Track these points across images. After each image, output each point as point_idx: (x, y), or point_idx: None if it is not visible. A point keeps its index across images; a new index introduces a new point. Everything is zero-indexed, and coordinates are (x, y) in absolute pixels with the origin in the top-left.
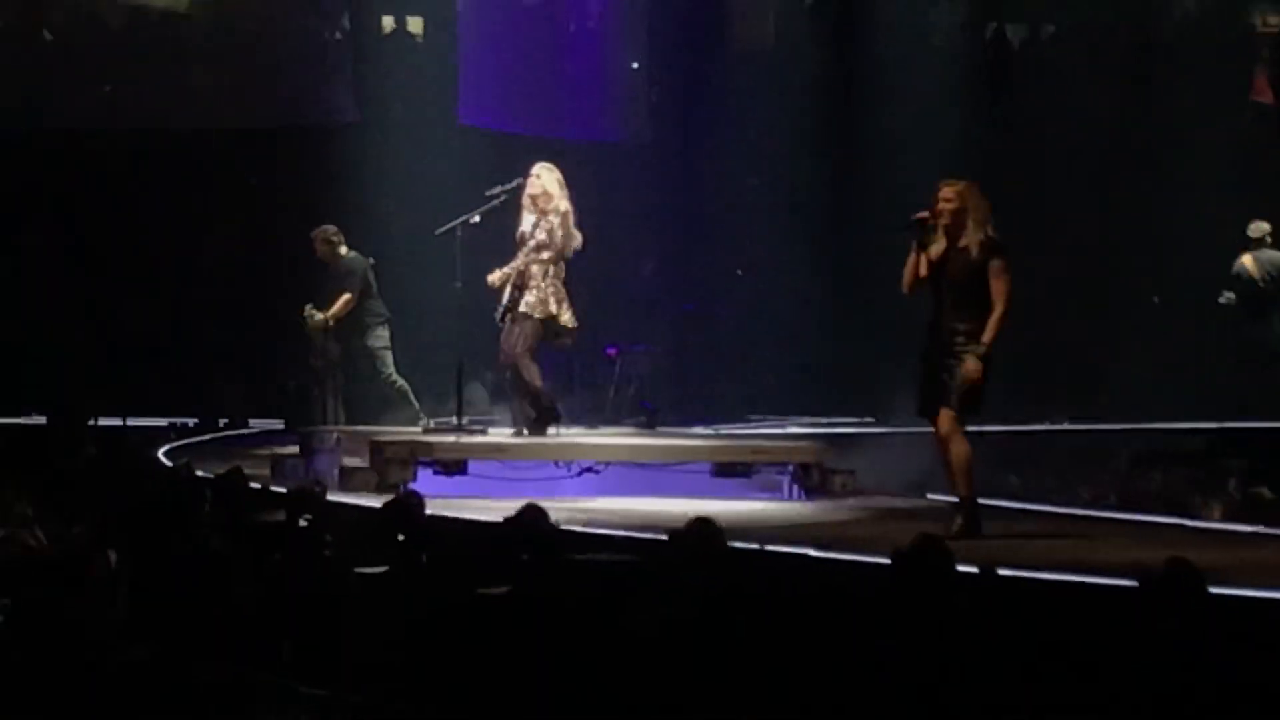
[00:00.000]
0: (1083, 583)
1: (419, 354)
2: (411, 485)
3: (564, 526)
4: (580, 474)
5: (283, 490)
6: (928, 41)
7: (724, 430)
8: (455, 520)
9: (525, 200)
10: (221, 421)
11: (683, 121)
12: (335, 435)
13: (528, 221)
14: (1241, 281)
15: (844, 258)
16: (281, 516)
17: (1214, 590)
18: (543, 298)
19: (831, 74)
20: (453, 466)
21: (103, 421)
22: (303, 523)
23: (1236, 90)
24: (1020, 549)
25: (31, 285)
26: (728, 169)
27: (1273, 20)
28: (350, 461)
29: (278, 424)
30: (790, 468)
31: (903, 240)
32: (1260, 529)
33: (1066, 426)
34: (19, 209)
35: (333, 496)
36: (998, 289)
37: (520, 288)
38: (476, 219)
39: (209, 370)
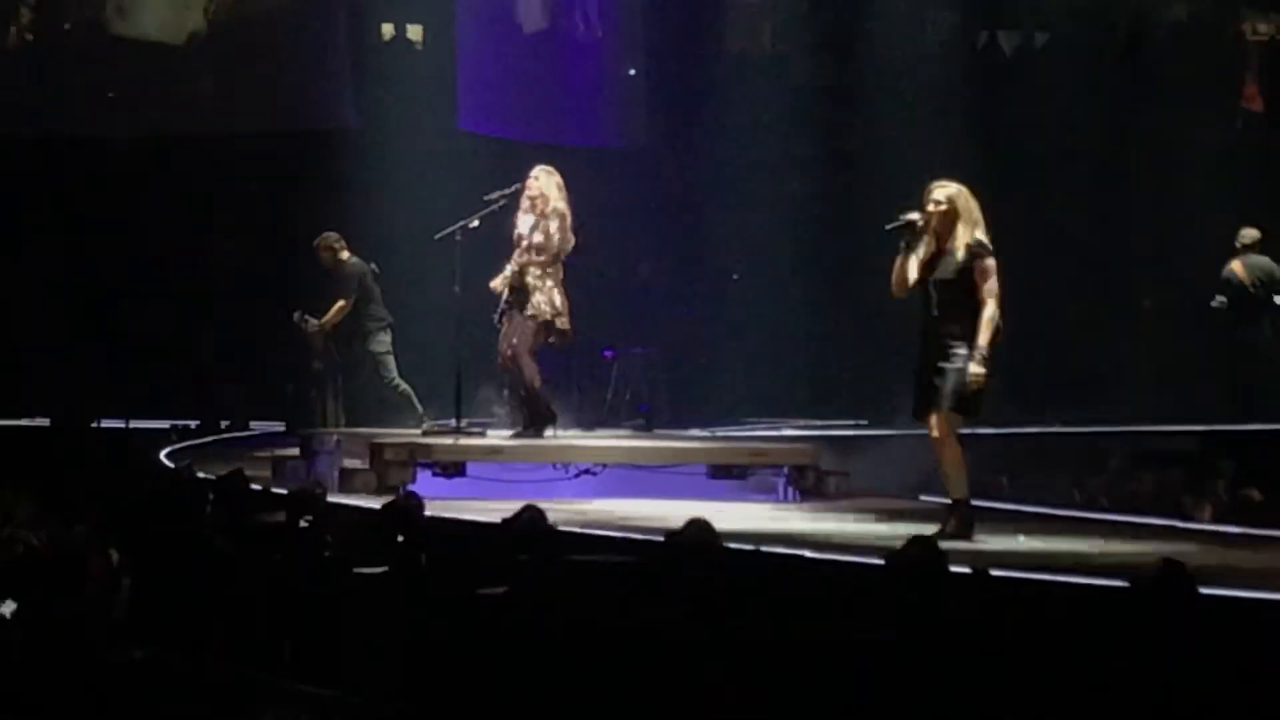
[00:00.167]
0: (1075, 583)
1: (418, 357)
2: (410, 487)
3: (562, 527)
4: (578, 476)
5: (283, 491)
6: (921, 48)
7: (720, 432)
8: (454, 521)
9: (524, 202)
10: (223, 424)
11: (679, 127)
12: (335, 437)
13: (525, 223)
14: (1231, 287)
15: (838, 262)
16: (282, 517)
17: (1205, 591)
18: (549, 300)
19: (826, 80)
20: (451, 468)
21: (106, 423)
22: (303, 523)
23: (1227, 97)
24: (1012, 550)
25: (36, 289)
26: (723, 174)
27: (1262, 29)
28: (350, 463)
29: (278, 426)
30: (785, 470)
31: (893, 243)
32: (1250, 530)
33: (1060, 429)
34: (24, 214)
35: (333, 498)
36: (985, 290)
37: (520, 289)
38: (475, 223)
39: (211, 373)
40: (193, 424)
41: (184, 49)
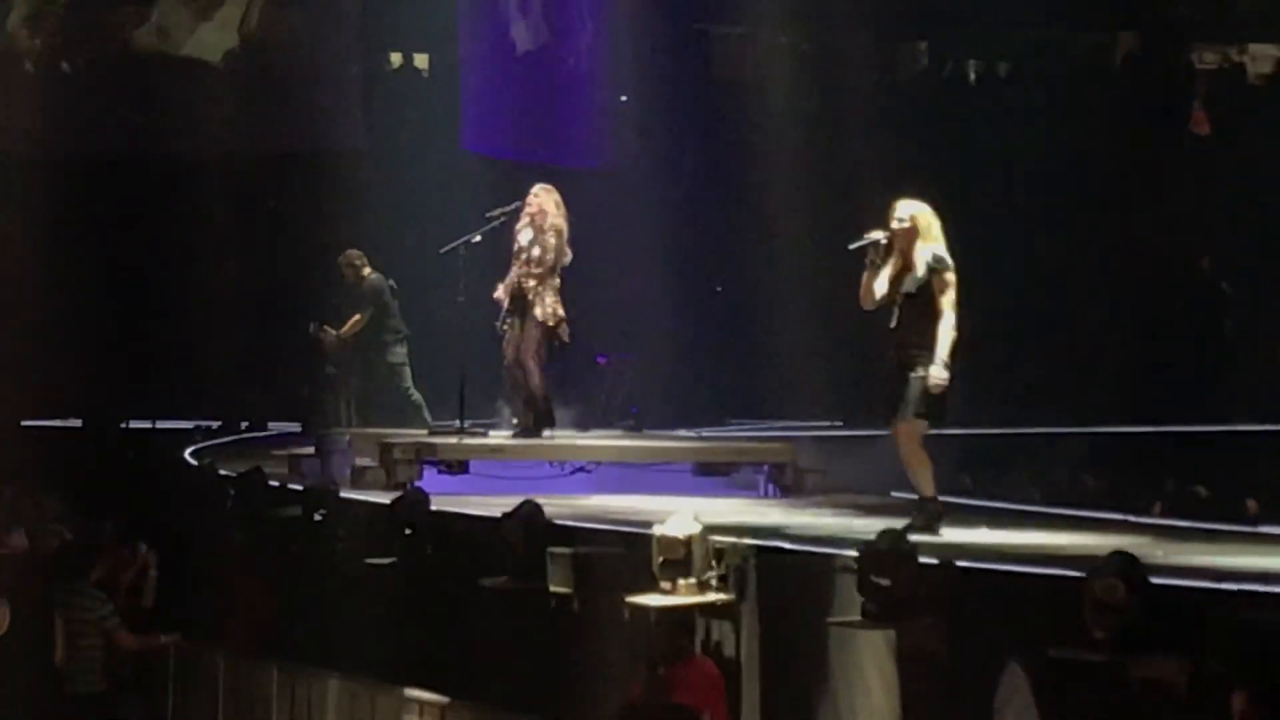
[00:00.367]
0: (1034, 573)
1: (424, 363)
2: (417, 483)
3: (558, 521)
4: (573, 473)
5: (299, 488)
6: (892, 76)
7: (705, 433)
8: (458, 516)
9: (524, 218)
10: (243, 424)
11: (668, 148)
12: (347, 437)
13: (525, 237)
14: None
15: (815, 275)
16: (298, 511)
17: (1154, 581)
18: (554, 308)
19: (803, 105)
20: (455, 466)
21: (134, 424)
22: (317, 517)
23: (1177, 122)
24: (976, 543)
25: (69, 299)
26: (707, 193)
27: (1209, 58)
28: (361, 461)
29: (295, 427)
30: (766, 468)
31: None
32: (1197, 524)
33: (1020, 430)
34: (57, 230)
35: (345, 494)
36: (944, 302)
37: (520, 299)
38: (478, 239)
39: (231, 377)
40: (215, 424)
41: (220, 67)
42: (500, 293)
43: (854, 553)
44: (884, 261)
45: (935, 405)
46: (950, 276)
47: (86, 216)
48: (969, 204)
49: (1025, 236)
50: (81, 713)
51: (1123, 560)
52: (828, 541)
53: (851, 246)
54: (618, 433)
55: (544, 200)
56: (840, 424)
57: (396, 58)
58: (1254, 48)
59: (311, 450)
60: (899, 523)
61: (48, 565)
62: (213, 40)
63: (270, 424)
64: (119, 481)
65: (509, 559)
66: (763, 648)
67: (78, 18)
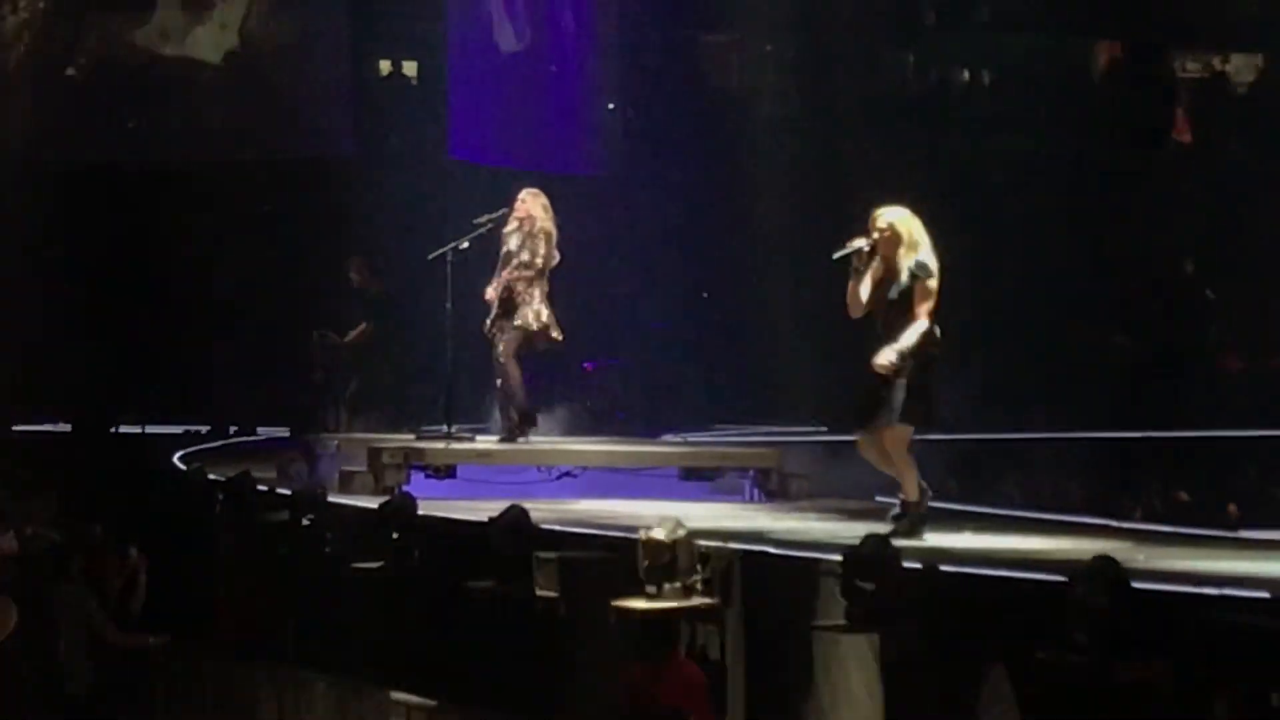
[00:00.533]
0: (1017, 577)
1: (411, 369)
2: (405, 488)
3: (545, 526)
4: (559, 478)
5: (287, 492)
6: (878, 84)
7: (691, 438)
8: (445, 520)
9: (513, 222)
10: (232, 429)
11: (654, 156)
12: (335, 442)
13: (514, 241)
14: None
15: (801, 282)
16: (286, 516)
17: (1136, 585)
18: (535, 312)
19: (790, 113)
20: (443, 471)
21: (123, 429)
22: (306, 521)
23: (1159, 129)
24: (959, 547)
25: (59, 304)
26: (694, 200)
27: (1192, 67)
28: (349, 466)
29: (283, 432)
30: (751, 472)
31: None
32: (1178, 529)
33: (1004, 435)
34: (49, 235)
35: (333, 498)
36: (919, 309)
37: (508, 301)
38: (466, 245)
39: (221, 382)
40: (204, 429)
41: (222, 67)
42: (490, 292)
43: (838, 557)
44: (868, 269)
45: (919, 410)
46: (931, 284)
47: (76, 222)
48: (954, 210)
49: (1010, 243)
50: (71, 713)
51: (1105, 565)
52: (812, 546)
53: (836, 256)
54: (604, 438)
55: (531, 205)
56: (825, 429)
57: (386, 65)
58: (1236, 56)
59: (300, 455)
60: (883, 527)
61: (37, 567)
62: (213, 41)
63: (259, 429)
64: (109, 486)
65: (496, 563)
66: (747, 651)
67: (76, 22)
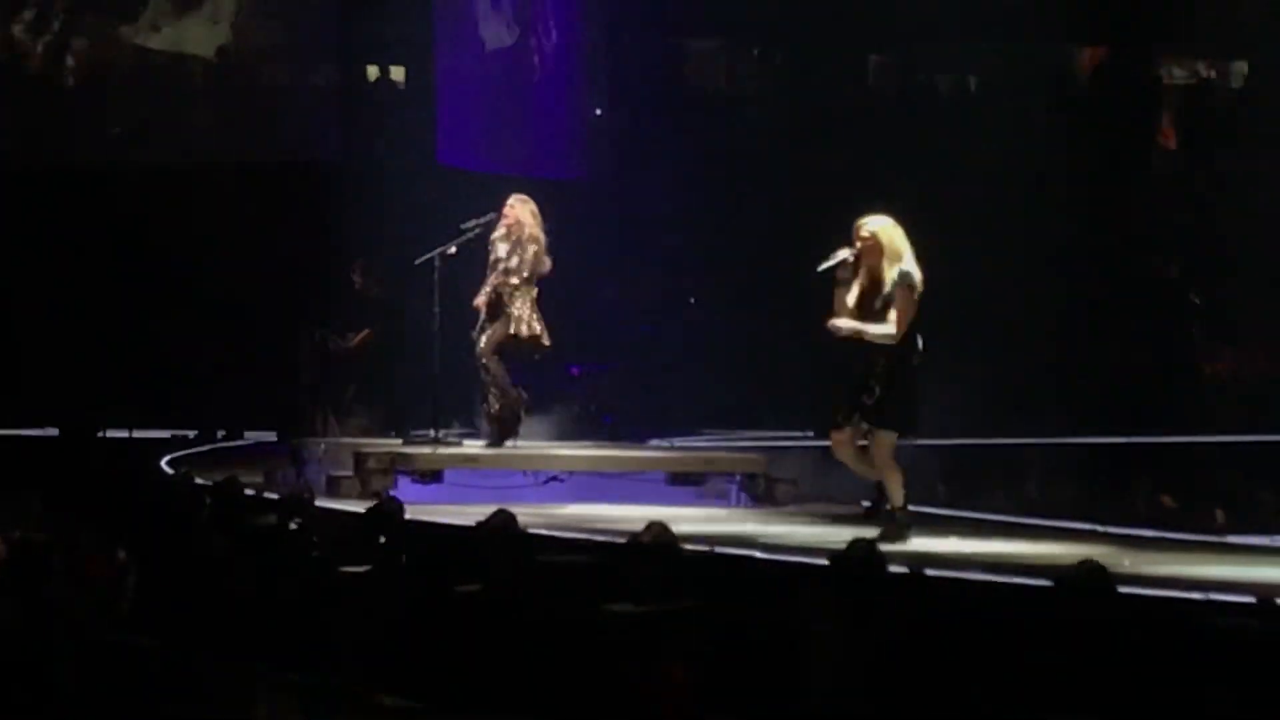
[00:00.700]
0: (1002, 582)
1: (399, 373)
2: (392, 492)
3: (531, 530)
4: (546, 482)
5: (275, 496)
6: (865, 89)
7: (678, 442)
8: (432, 524)
9: (501, 229)
10: (219, 433)
11: (640, 161)
12: (323, 446)
13: (503, 248)
14: None
15: (787, 287)
16: (273, 520)
17: (1122, 590)
18: (525, 319)
19: (776, 117)
20: (429, 475)
21: (111, 433)
22: (293, 526)
23: (1144, 136)
24: (945, 551)
25: (47, 309)
26: (681, 205)
27: (1178, 73)
28: (336, 471)
29: (270, 436)
30: (738, 477)
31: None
32: (1164, 534)
33: (991, 440)
34: (36, 240)
35: (320, 502)
36: (891, 312)
37: (498, 307)
38: (453, 250)
39: (208, 386)
40: (191, 434)
41: (203, 68)
42: (480, 300)
43: (824, 561)
44: (854, 278)
45: (901, 416)
46: (903, 290)
47: (61, 226)
48: (940, 215)
49: (994, 249)
50: (59, 715)
51: (1091, 569)
52: (798, 550)
53: (820, 268)
54: (591, 442)
55: (520, 211)
56: (811, 434)
57: (373, 71)
58: (1222, 63)
59: (287, 459)
60: (869, 532)
61: (25, 570)
62: (205, 34)
63: (246, 433)
64: (96, 490)
65: (482, 567)
66: (732, 656)
67: (61, 22)
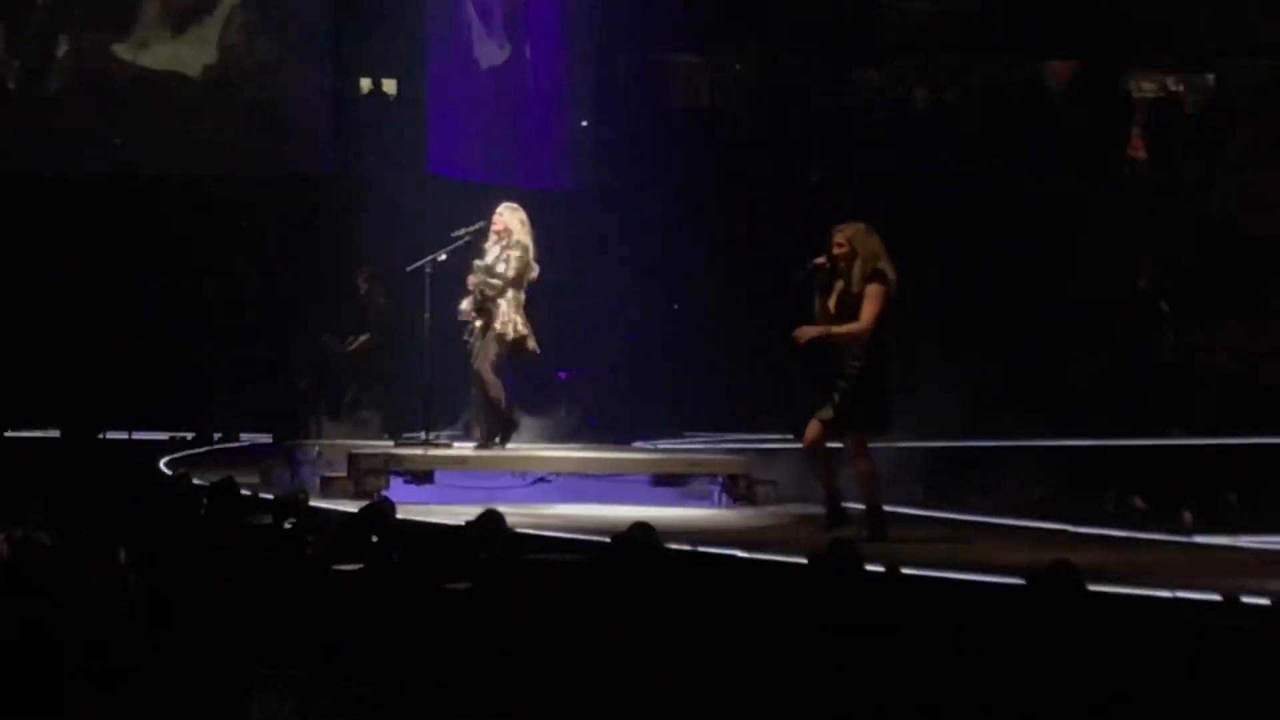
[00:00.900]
0: (976, 581)
1: (392, 379)
2: (384, 493)
3: (519, 530)
4: (534, 483)
5: (270, 497)
6: (844, 102)
7: (661, 445)
8: (423, 524)
9: (491, 236)
10: (216, 435)
11: (625, 172)
12: (317, 448)
13: (492, 254)
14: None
15: (768, 294)
16: (269, 520)
17: (1093, 588)
18: (512, 322)
19: (757, 131)
20: (421, 476)
21: (110, 435)
22: (288, 525)
23: (1114, 147)
24: (921, 551)
25: (49, 314)
26: (664, 214)
27: (1147, 86)
28: (330, 472)
29: (266, 438)
30: (720, 479)
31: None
32: (1134, 534)
33: (966, 443)
34: (39, 248)
35: (314, 502)
36: (864, 310)
37: (485, 311)
38: (443, 257)
39: (206, 390)
40: (189, 436)
41: (200, 80)
42: (466, 305)
43: (803, 560)
44: (831, 284)
45: (869, 417)
46: (875, 289)
47: (64, 233)
48: (916, 225)
49: (970, 257)
50: (59, 714)
51: (1062, 568)
52: (778, 549)
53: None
54: (577, 444)
55: (509, 218)
56: (791, 437)
57: (366, 83)
58: (1190, 77)
59: (282, 461)
60: (848, 531)
61: (28, 570)
62: (193, 54)
63: (242, 435)
64: (97, 490)
65: (472, 565)
66: (713, 655)
67: (59, 36)
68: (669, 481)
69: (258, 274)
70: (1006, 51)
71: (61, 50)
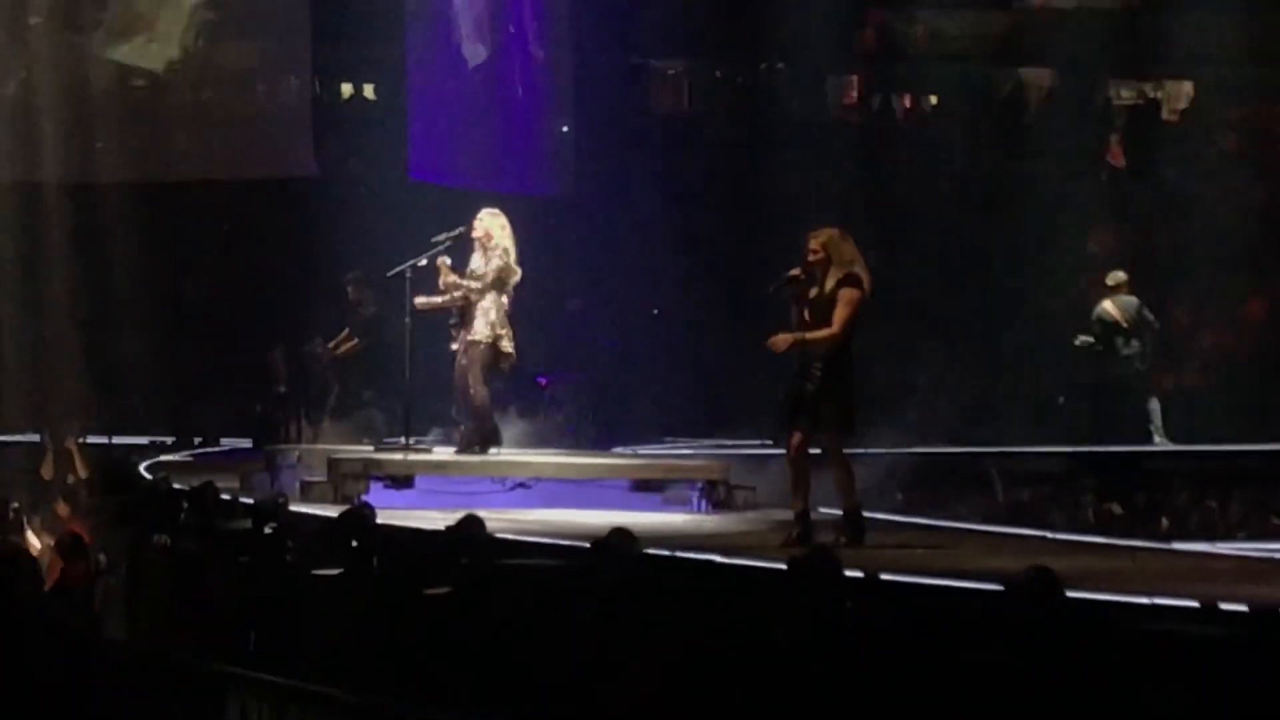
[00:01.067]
0: (955, 586)
1: (375, 384)
2: (364, 497)
3: (498, 535)
4: (514, 489)
5: (250, 501)
6: (824, 109)
7: (640, 451)
8: (403, 529)
9: (475, 242)
10: (196, 440)
11: (606, 178)
12: (297, 453)
13: (476, 260)
14: (1104, 324)
15: (747, 300)
16: (249, 524)
17: (1070, 594)
18: (490, 323)
19: (737, 136)
20: (401, 481)
21: (91, 439)
22: (268, 530)
23: (1093, 153)
24: (900, 556)
25: (29, 319)
26: (645, 220)
27: (1125, 94)
28: (310, 476)
29: (246, 443)
30: (699, 484)
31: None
32: (1111, 540)
33: (946, 450)
34: (16, 252)
35: (294, 507)
36: (837, 314)
37: (465, 314)
38: (424, 262)
39: (186, 394)
40: (169, 440)
41: (163, 76)
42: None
43: (782, 566)
44: (808, 291)
45: (839, 419)
46: (848, 293)
47: (44, 238)
48: (895, 229)
49: (950, 262)
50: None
51: (1040, 574)
52: (757, 555)
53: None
54: (557, 450)
55: (489, 223)
56: (770, 443)
57: (347, 89)
58: (1168, 84)
59: (262, 465)
60: (826, 536)
61: (4, 573)
62: (156, 51)
63: (222, 440)
64: (76, 494)
65: (451, 570)
66: (692, 659)
67: (40, 41)
68: (648, 487)
69: (239, 279)
70: (986, 58)
71: (41, 52)
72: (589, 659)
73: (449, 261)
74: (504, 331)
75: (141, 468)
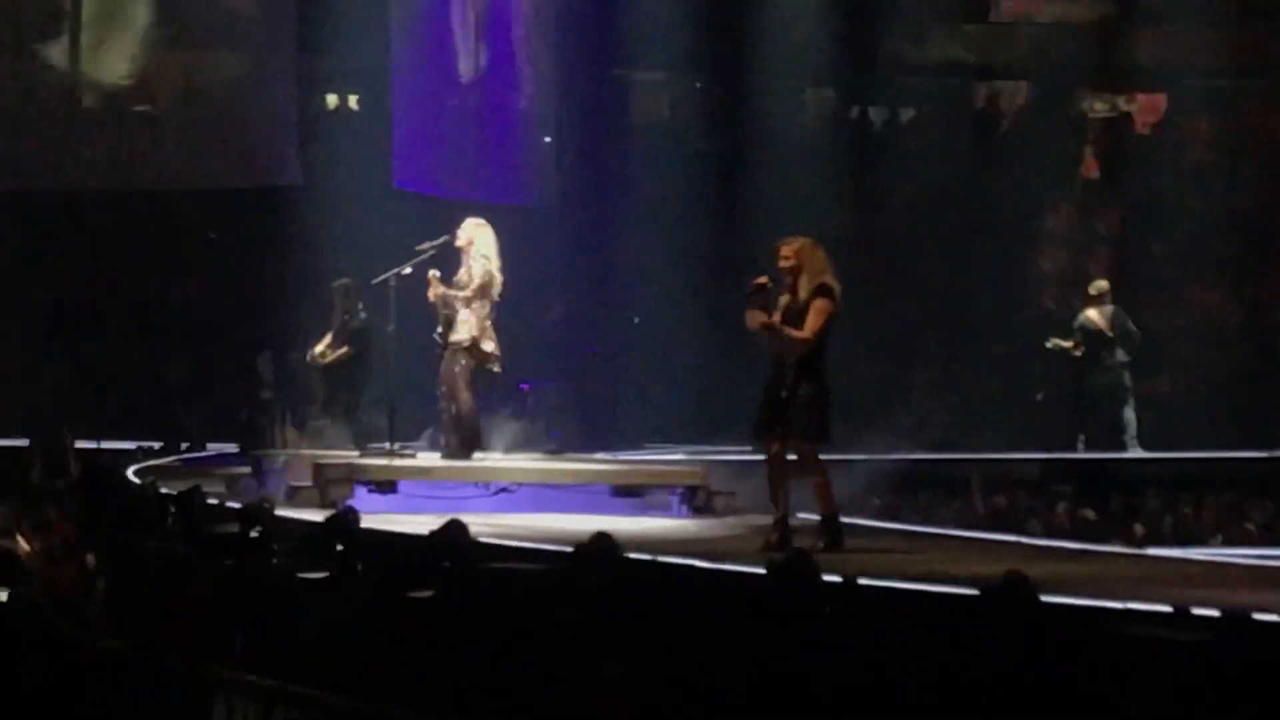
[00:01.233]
0: (932, 591)
1: (361, 390)
2: (349, 502)
3: (482, 539)
4: (497, 493)
5: (236, 506)
6: (802, 120)
7: (622, 456)
8: (387, 533)
9: (460, 252)
10: (183, 445)
11: (588, 187)
12: (283, 458)
13: (462, 270)
14: (1087, 333)
15: (727, 308)
16: (235, 528)
17: (1045, 599)
18: (470, 329)
19: (717, 147)
20: (385, 486)
21: (79, 444)
22: (254, 534)
23: (1069, 166)
24: (878, 561)
25: (18, 325)
26: (626, 229)
27: (1100, 107)
28: (296, 481)
29: (233, 448)
30: (679, 490)
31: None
32: (1086, 545)
33: (923, 456)
34: (7, 260)
35: (280, 511)
36: (810, 321)
37: (450, 322)
38: (408, 270)
39: (173, 400)
40: (156, 445)
41: (136, 89)
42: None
43: (761, 570)
44: (775, 302)
45: (814, 425)
46: (821, 303)
47: (33, 246)
48: (872, 241)
49: (923, 275)
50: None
51: (1015, 579)
52: (737, 559)
53: (746, 296)
54: (540, 455)
55: (472, 232)
56: (749, 449)
57: (332, 99)
58: (1142, 97)
59: (248, 470)
60: (804, 541)
61: None
62: (132, 68)
63: (209, 445)
64: (65, 499)
65: (435, 574)
66: (672, 663)
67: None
68: (629, 493)
69: (225, 286)
70: (962, 70)
71: (21, 62)
72: (571, 662)
73: (438, 274)
74: (487, 336)
75: (129, 472)
